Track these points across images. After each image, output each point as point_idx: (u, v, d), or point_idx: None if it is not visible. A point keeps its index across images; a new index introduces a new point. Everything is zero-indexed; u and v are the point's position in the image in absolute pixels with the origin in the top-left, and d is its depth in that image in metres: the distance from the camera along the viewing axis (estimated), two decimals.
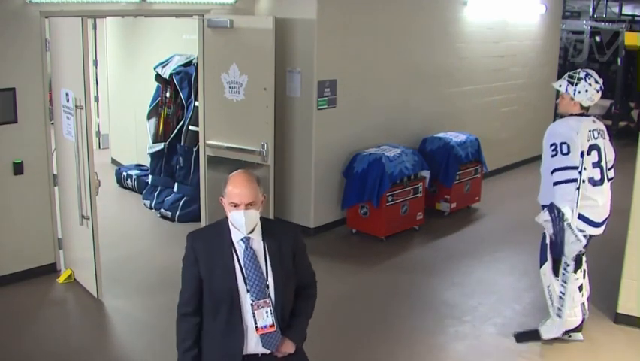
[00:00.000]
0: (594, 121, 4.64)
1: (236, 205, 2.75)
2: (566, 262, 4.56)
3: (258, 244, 2.84)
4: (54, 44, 5.61)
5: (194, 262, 2.84)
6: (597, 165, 4.54)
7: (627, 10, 13.95)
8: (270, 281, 2.82)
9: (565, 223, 4.39)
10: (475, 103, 9.12)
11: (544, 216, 4.49)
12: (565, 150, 4.41)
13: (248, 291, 2.79)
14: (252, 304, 2.78)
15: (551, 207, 4.44)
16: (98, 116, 10.34)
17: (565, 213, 4.38)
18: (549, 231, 4.51)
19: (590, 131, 4.53)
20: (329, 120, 6.92)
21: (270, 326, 2.80)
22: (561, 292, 4.65)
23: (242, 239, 2.82)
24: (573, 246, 4.44)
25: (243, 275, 2.79)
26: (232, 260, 2.81)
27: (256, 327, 2.79)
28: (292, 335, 2.92)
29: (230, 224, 2.83)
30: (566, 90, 4.58)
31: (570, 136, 4.44)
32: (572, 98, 4.56)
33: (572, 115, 4.59)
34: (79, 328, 5.16)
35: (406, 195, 7.03)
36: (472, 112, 9.04)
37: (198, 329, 2.90)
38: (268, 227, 2.89)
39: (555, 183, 4.45)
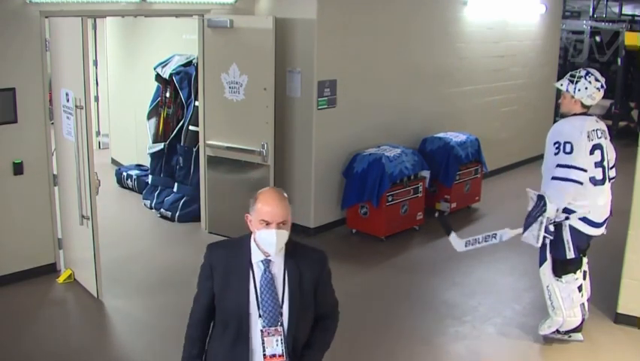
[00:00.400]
0: (597, 121, 4.66)
1: (267, 224, 2.59)
2: (493, 235, 4.78)
3: (278, 268, 2.68)
4: (54, 44, 5.61)
5: (209, 276, 2.71)
6: (599, 164, 4.55)
7: (627, 10, 13.95)
8: (285, 309, 2.67)
9: (540, 217, 4.42)
10: (475, 103, 9.12)
11: (532, 195, 4.52)
12: (568, 149, 4.41)
13: (260, 316, 2.64)
14: (262, 331, 2.64)
15: (541, 197, 4.45)
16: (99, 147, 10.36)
17: (548, 209, 4.40)
18: (528, 208, 4.55)
19: (593, 130, 4.54)
20: (329, 120, 6.92)
21: (279, 356, 2.65)
22: (485, 236, 4.82)
23: (262, 261, 2.67)
24: (531, 238, 4.51)
25: (257, 299, 2.65)
26: (247, 281, 2.66)
27: (264, 354, 2.65)
28: None
29: (252, 243, 2.68)
30: (567, 89, 4.60)
31: (574, 136, 4.46)
32: (573, 97, 4.57)
33: (574, 115, 4.60)
34: (79, 328, 5.16)
35: (406, 195, 7.03)
36: (472, 112, 9.04)
37: (207, 338, 2.82)
38: (293, 251, 2.71)
39: (554, 178, 4.44)
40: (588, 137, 4.49)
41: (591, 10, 13.47)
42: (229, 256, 2.73)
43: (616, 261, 5.23)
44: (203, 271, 2.76)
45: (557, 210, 4.45)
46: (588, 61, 12.97)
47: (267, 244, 2.62)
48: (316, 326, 2.84)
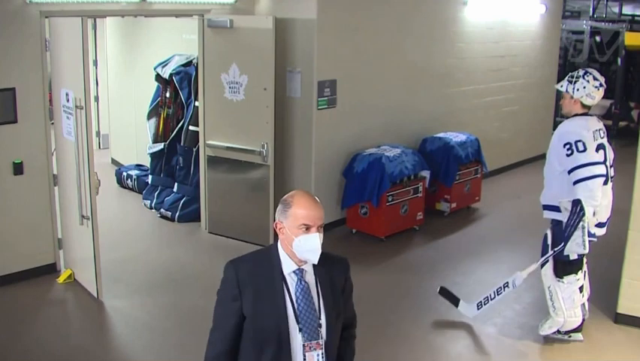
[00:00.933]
0: (598, 121, 4.69)
1: (308, 228, 2.41)
2: (505, 285, 4.79)
3: (310, 276, 2.52)
4: (54, 44, 5.61)
5: (236, 297, 2.45)
6: (603, 164, 4.57)
7: (627, 10, 13.96)
8: (323, 320, 2.49)
9: (581, 223, 4.37)
10: (475, 103, 9.12)
11: (566, 204, 4.44)
12: (581, 148, 4.41)
13: (300, 330, 2.45)
14: (304, 346, 2.45)
15: (577, 202, 4.38)
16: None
17: (586, 213, 4.36)
18: (563, 219, 4.48)
19: (596, 130, 4.58)
20: (329, 120, 6.92)
21: None
22: (497, 290, 4.86)
23: (294, 271, 2.48)
24: (576, 247, 4.45)
25: (295, 312, 2.45)
26: (283, 295, 2.46)
27: None
28: None
29: (280, 252, 2.49)
30: (566, 89, 4.62)
31: (582, 133, 4.47)
32: (572, 97, 4.59)
33: (576, 115, 4.62)
34: (79, 328, 5.16)
35: (406, 195, 7.03)
36: (472, 112, 9.04)
37: None
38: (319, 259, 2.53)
39: (577, 181, 4.39)
40: (593, 136, 4.52)
41: (591, 10, 13.47)
42: (258, 270, 2.49)
43: (616, 261, 5.23)
44: (226, 293, 2.48)
45: (593, 213, 4.41)
46: (588, 61, 12.98)
47: (310, 250, 2.43)
48: (341, 337, 2.68)
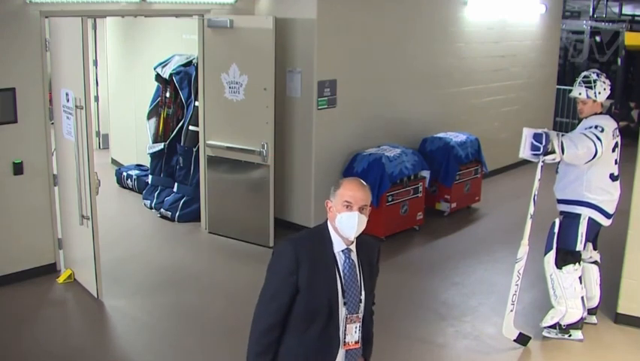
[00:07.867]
0: (613, 120, 4.83)
1: (348, 206, 2.69)
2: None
3: (354, 255, 2.77)
4: (54, 44, 5.61)
5: (294, 271, 2.64)
6: (617, 162, 4.76)
7: (627, 10, 13.97)
8: (362, 296, 2.76)
9: (545, 147, 4.44)
10: (475, 103, 9.12)
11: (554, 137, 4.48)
12: (599, 130, 4.55)
13: (344, 304, 2.70)
14: (346, 317, 2.70)
15: (560, 139, 4.47)
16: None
17: (556, 150, 4.45)
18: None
19: (614, 129, 4.73)
20: (329, 120, 6.92)
21: (355, 343, 2.75)
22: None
23: (343, 250, 2.74)
24: (524, 152, 4.54)
25: (342, 287, 2.69)
26: (334, 271, 2.70)
27: (344, 342, 2.72)
28: (367, 355, 2.89)
29: (332, 232, 2.74)
30: (587, 95, 4.72)
31: (607, 124, 4.64)
32: (595, 101, 4.72)
33: (596, 114, 4.76)
34: (79, 328, 5.16)
35: (406, 195, 7.03)
36: (472, 112, 9.04)
37: (278, 344, 2.73)
38: (358, 240, 2.81)
39: (580, 133, 4.55)
40: (612, 134, 4.67)
41: (591, 10, 13.49)
42: (314, 247, 2.72)
43: (616, 261, 5.23)
44: (284, 268, 2.66)
45: (558, 145, 4.47)
46: (588, 61, 12.98)
47: (349, 226, 2.69)
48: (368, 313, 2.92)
